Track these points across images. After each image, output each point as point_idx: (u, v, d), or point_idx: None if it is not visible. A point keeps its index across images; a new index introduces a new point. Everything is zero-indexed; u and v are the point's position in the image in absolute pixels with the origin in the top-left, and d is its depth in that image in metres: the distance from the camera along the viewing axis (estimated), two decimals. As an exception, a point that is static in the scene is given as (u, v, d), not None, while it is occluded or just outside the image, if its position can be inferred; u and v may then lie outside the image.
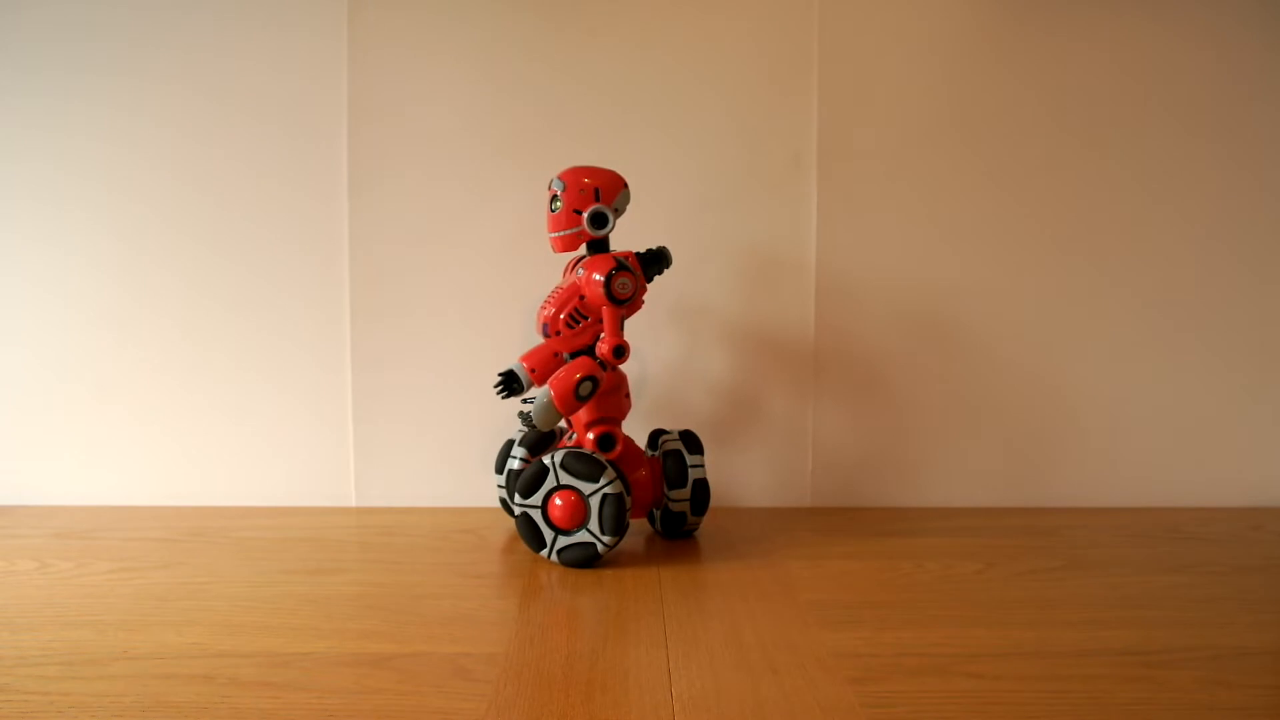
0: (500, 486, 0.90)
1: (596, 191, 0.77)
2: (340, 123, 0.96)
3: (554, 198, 0.78)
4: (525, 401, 0.78)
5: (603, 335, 0.76)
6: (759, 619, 0.66)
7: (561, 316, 0.77)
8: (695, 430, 0.92)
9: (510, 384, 0.78)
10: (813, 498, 0.99)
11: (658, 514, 0.86)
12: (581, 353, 0.78)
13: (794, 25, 0.96)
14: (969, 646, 0.61)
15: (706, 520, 0.91)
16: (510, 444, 0.90)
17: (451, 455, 0.98)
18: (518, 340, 0.98)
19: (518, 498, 0.77)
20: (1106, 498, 0.99)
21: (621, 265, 0.75)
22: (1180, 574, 0.76)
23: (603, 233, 0.78)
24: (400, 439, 0.98)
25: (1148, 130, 0.97)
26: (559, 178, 0.77)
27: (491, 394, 0.98)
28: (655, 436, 0.88)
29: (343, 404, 0.98)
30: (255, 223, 0.97)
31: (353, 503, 0.99)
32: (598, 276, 0.75)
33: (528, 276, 0.97)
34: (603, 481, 0.76)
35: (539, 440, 0.87)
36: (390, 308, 0.97)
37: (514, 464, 0.87)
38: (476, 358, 0.97)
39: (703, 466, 0.84)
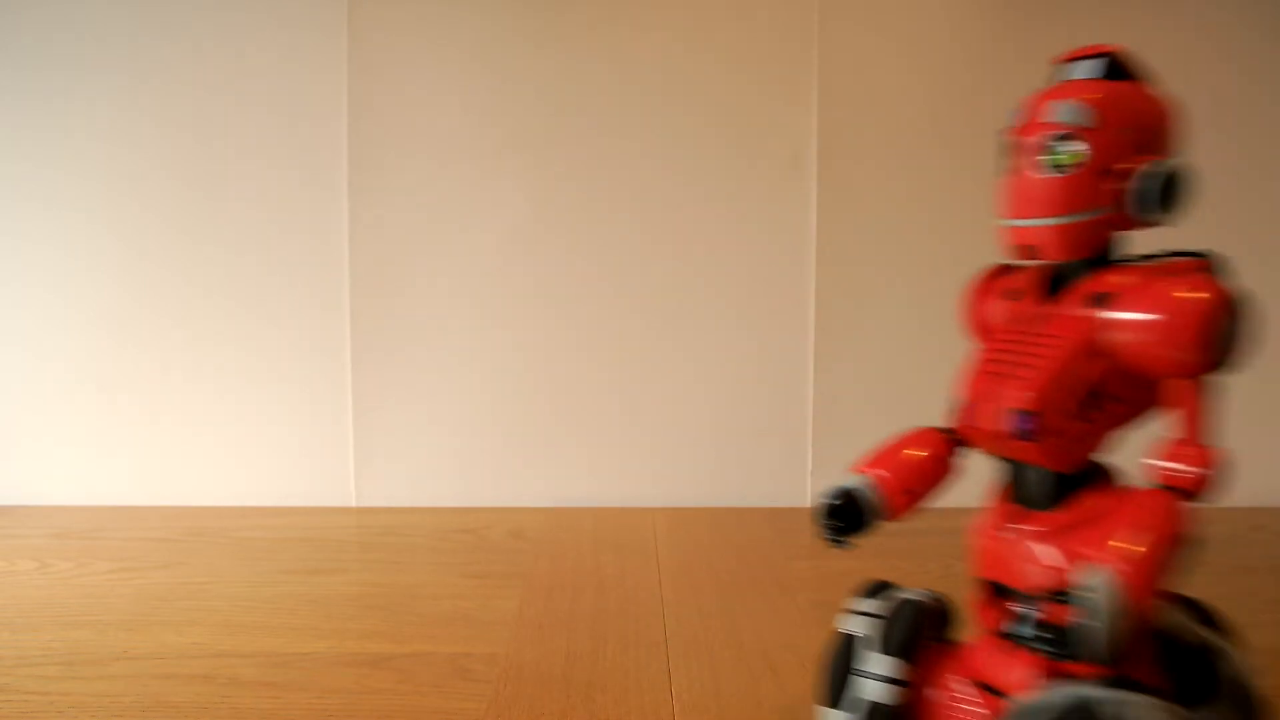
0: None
1: (1148, 130, 0.40)
2: (340, 121, 0.96)
3: (1060, 142, 0.38)
4: (1026, 602, 0.38)
5: (1175, 439, 0.37)
6: (759, 619, 0.66)
7: (1071, 401, 0.38)
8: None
9: (847, 516, 0.43)
10: (813, 498, 0.99)
11: None
12: (1085, 475, 0.40)
13: (794, 25, 0.96)
14: (969, 646, 0.60)
15: (707, 521, 0.91)
16: (849, 644, 0.43)
17: (452, 455, 0.98)
18: (518, 340, 0.98)
19: None
20: (1106, 498, 0.98)
21: (1231, 293, 0.37)
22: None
23: (1167, 219, 0.39)
24: (400, 439, 0.98)
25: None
26: (1071, 98, 0.38)
27: (492, 394, 0.98)
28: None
29: (343, 404, 0.98)
30: (255, 222, 0.97)
31: (353, 503, 0.99)
32: (1175, 318, 0.36)
33: (530, 276, 0.97)
34: None
35: (914, 640, 0.42)
36: (391, 307, 0.97)
37: (877, 693, 0.41)
38: (477, 358, 0.97)
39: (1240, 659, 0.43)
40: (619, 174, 0.96)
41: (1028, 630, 0.36)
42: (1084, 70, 0.40)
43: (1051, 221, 0.38)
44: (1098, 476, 0.39)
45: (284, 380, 0.98)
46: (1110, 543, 0.35)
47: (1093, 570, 0.34)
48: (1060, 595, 0.36)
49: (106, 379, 0.98)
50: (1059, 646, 0.34)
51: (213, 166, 0.96)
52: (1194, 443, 0.37)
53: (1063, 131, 0.37)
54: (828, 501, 0.43)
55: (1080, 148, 0.37)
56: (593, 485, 0.99)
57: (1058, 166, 0.37)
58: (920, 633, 0.42)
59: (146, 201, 0.97)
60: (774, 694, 0.53)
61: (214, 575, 0.75)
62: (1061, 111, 0.37)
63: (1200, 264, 0.39)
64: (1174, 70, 0.97)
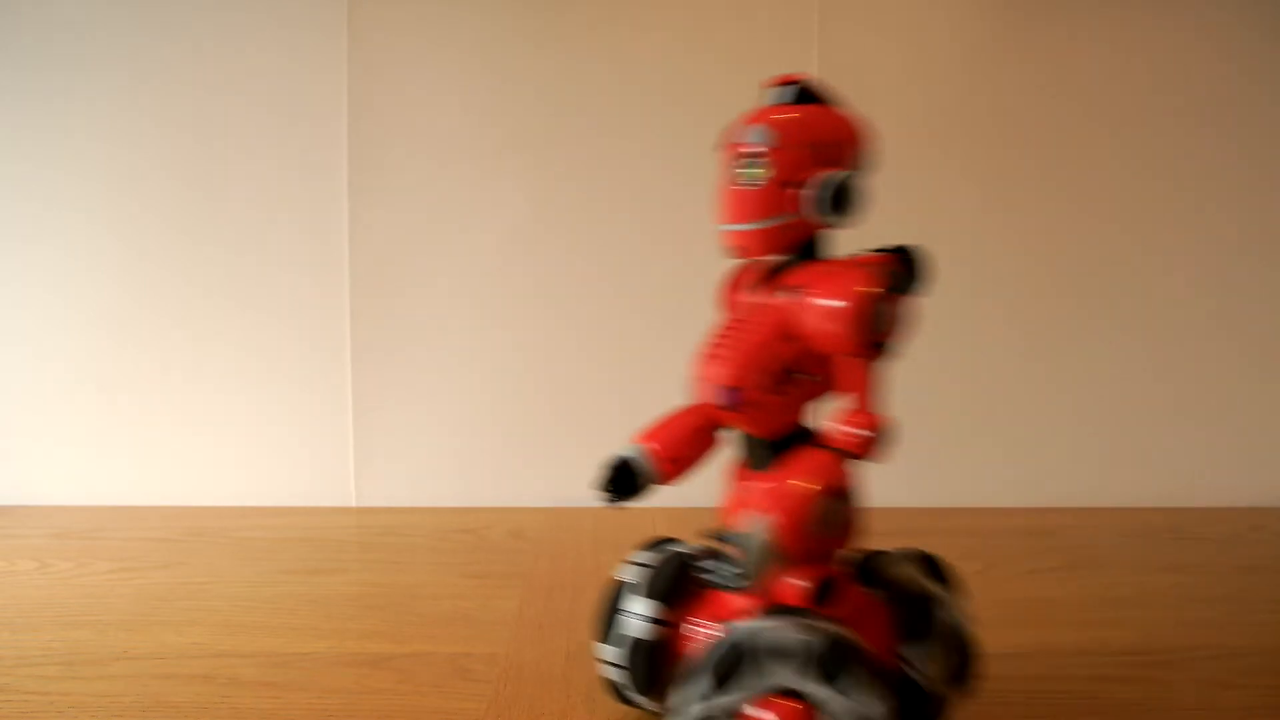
0: (613, 664, 0.50)
1: (832, 148, 0.45)
2: (340, 121, 0.96)
3: (749, 160, 0.44)
4: (722, 541, 0.43)
5: (846, 408, 0.44)
6: (759, 619, 0.65)
7: (764, 375, 0.45)
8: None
9: (622, 482, 0.48)
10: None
11: None
12: (789, 439, 0.46)
13: (794, 25, 0.96)
14: (969, 646, 0.60)
15: (707, 521, 0.91)
16: (619, 590, 0.52)
17: (452, 455, 0.98)
18: (518, 340, 0.98)
19: (699, 687, 0.42)
20: (1106, 498, 0.99)
21: (893, 283, 0.43)
22: (1180, 574, 0.76)
23: (844, 221, 0.45)
24: (400, 439, 0.98)
25: (1151, 128, 0.97)
26: (759, 123, 0.44)
27: (492, 394, 0.98)
28: (870, 563, 0.50)
29: (343, 404, 0.98)
30: (255, 222, 0.97)
31: (353, 503, 0.99)
32: (840, 303, 0.42)
33: (530, 276, 0.97)
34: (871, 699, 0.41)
35: (676, 586, 0.50)
36: (391, 307, 0.97)
37: (639, 630, 0.48)
38: (477, 358, 0.97)
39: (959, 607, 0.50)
40: (619, 174, 0.96)
41: (715, 569, 0.43)
42: (775, 97, 0.47)
43: (749, 226, 0.44)
44: (804, 440, 0.46)
45: (284, 380, 0.98)
46: (763, 491, 0.42)
47: (752, 516, 0.42)
48: (726, 538, 0.42)
49: (106, 379, 0.98)
50: (728, 580, 0.41)
51: (213, 166, 0.96)
52: (861, 410, 0.44)
53: (752, 151, 0.44)
54: (606, 468, 0.49)
55: (762, 167, 0.43)
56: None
57: (749, 180, 0.44)
58: (683, 580, 0.49)
59: (147, 201, 0.96)
60: (774, 694, 0.53)
61: (214, 575, 0.75)
62: (750, 134, 0.44)
63: (881, 260, 0.45)
64: (1174, 70, 0.98)
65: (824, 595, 0.45)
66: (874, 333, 0.42)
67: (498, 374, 0.98)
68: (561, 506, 0.97)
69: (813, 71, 0.96)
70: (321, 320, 0.97)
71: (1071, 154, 0.97)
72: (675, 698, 0.42)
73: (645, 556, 0.51)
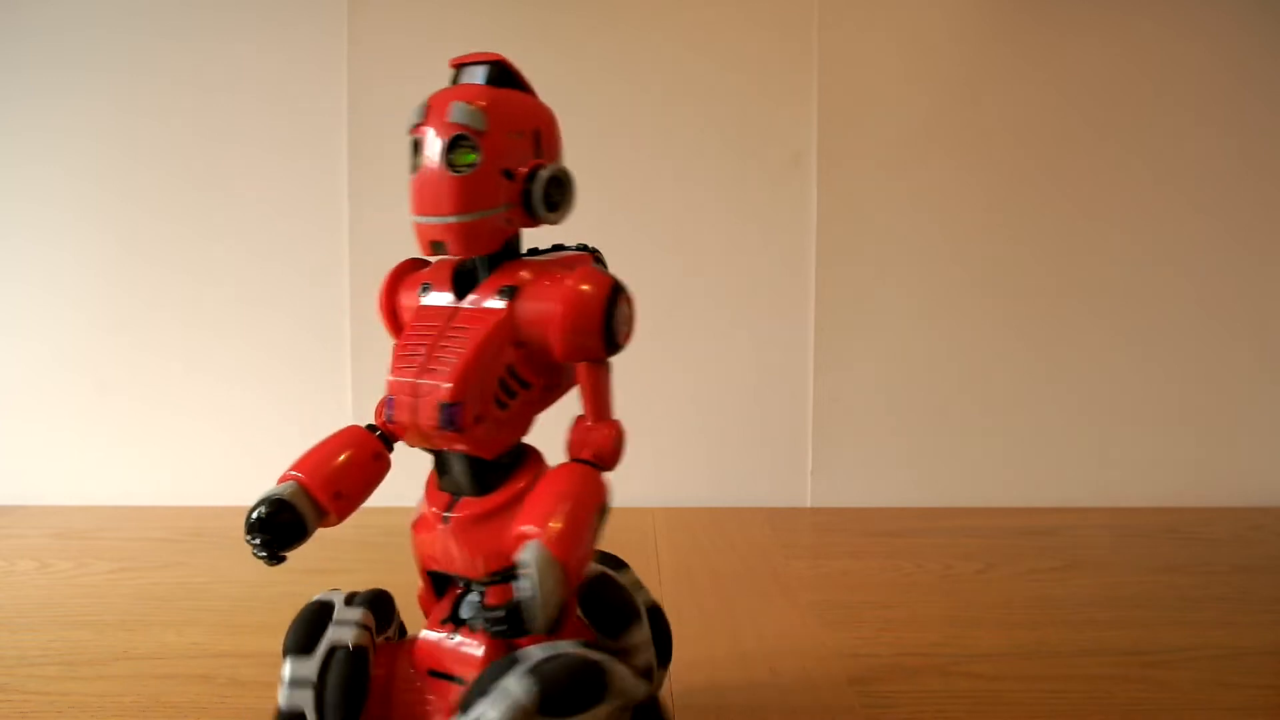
0: (298, 684, 0.42)
1: (536, 136, 0.42)
2: (341, 120, 0.96)
3: (456, 142, 0.39)
4: (472, 588, 0.42)
5: (585, 418, 0.41)
6: (759, 619, 0.66)
7: (488, 388, 0.39)
8: (690, 435, 0.91)
9: (278, 530, 0.42)
10: (813, 498, 0.99)
11: None
12: (510, 465, 0.42)
13: (794, 25, 0.96)
14: (969, 646, 0.61)
15: (707, 521, 0.91)
16: (323, 609, 0.45)
17: (451, 455, 0.98)
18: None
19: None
20: (1106, 498, 0.99)
21: (620, 284, 0.40)
22: (1180, 574, 0.76)
23: (557, 218, 0.42)
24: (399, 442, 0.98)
25: (1151, 128, 0.97)
26: (464, 102, 0.40)
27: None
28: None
29: (343, 404, 0.98)
30: (256, 223, 0.97)
31: (353, 503, 0.98)
32: (578, 307, 0.39)
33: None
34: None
35: (380, 599, 0.46)
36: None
37: (344, 634, 0.43)
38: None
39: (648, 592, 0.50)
40: (619, 174, 0.96)
41: (477, 615, 0.39)
42: (472, 76, 0.42)
43: (454, 219, 0.39)
44: (522, 458, 0.42)
45: (285, 380, 0.98)
46: (536, 518, 0.37)
47: (525, 547, 0.36)
48: (499, 576, 0.38)
49: (107, 379, 0.98)
50: (506, 624, 0.35)
51: (213, 166, 0.96)
52: (599, 418, 0.40)
53: (458, 133, 0.39)
54: (257, 513, 0.41)
55: (474, 150, 0.38)
56: (593, 485, 0.99)
57: (455, 166, 0.39)
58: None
59: (147, 202, 0.96)
60: (774, 694, 0.53)
61: (214, 575, 0.75)
62: (456, 113, 0.39)
63: (587, 257, 0.43)
64: (1174, 71, 0.98)
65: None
66: (611, 334, 0.39)
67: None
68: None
69: (812, 71, 0.97)
70: (322, 320, 0.97)
71: (1071, 154, 0.97)
72: None
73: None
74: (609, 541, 0.88)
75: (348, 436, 0.44)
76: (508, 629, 0.35)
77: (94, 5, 0.95)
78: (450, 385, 0.38)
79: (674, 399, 0.98)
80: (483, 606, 0.39)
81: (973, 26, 0.96)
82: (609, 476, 0.40)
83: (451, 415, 0.38)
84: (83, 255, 0.97)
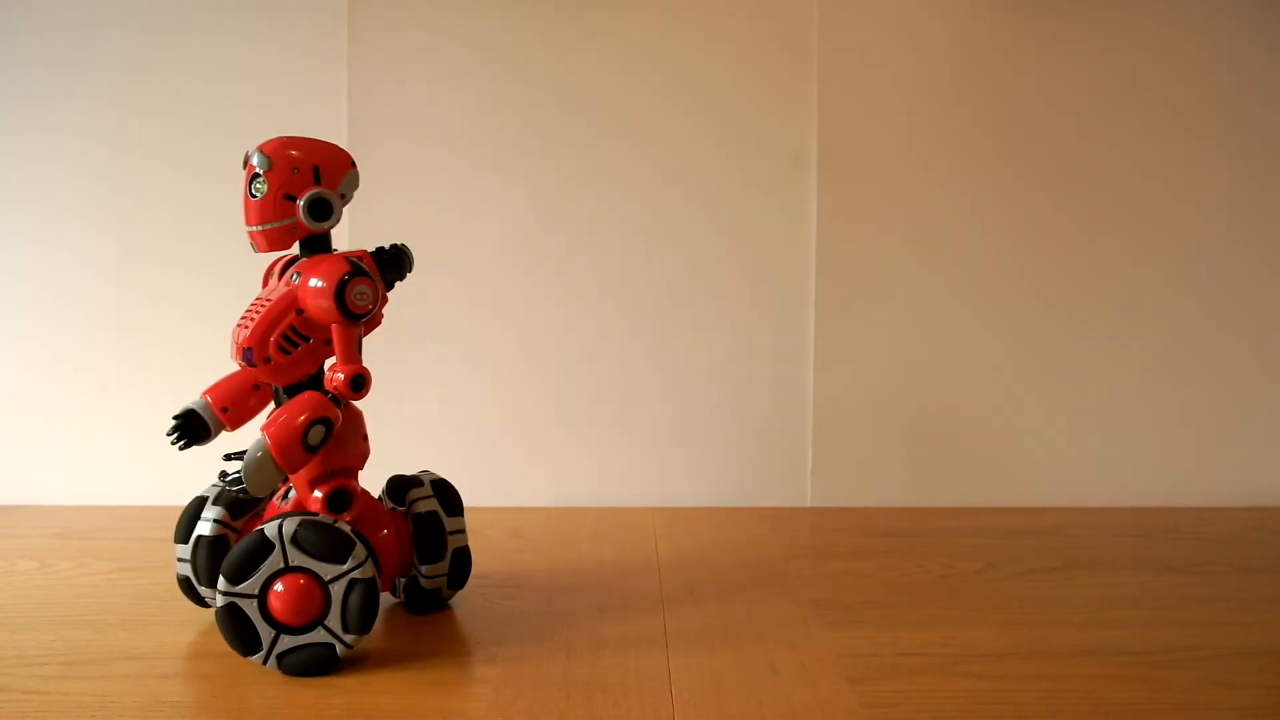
0: (183, 560, 0.64)
1: (315, 170, 0.59)
2: (340, 119, 0.96)
3: (254, 178, 0.58)
4: (230, 458, 0.61)
5: (333, 362, 0.59)
6: (759, 619, 0.66)
7: (273, 339, 0.58)
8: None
9: (190, 429, 0.63)
10: (813, 498, 0.99)
11: (401, 583, 0.67)
12: (302, 386, 0.60)
13: (794, 25, 0.96)
14: (969, 646, 0.61)
15: (707, 521, 0.91)
16: (200, 503, 0.66)
17: (450, 455, 0.98)
18: (519, 339, 0.98)
19: (222, 582, 0.55)
20: (1106, 498, 0.99)
21: (357, 269, 0.57)
22: (1180, 574, 0.76)
23: (325, 226, 0.60)
24: (399, 438, 0.98)
25: (1151, 129, 0.97)
26: (260, 151, 0.58)
27: (491, 393, 0.98)
28: (399, 487, 0.67)
29: (343, 404, 0.98)
30: (255, 223, 0.97)
31: (353, 503, 0.99)
32: (324, 284, 0.56)
33: (530, 275, 0.97)
34: (350, 564, 0.56)
35: (241, 501, 0.66)
36: (390, 307, 0.97)
37: (206, 529, 0.64)
38: (477, 357, 0.97)
39: (464, 532, 0.66)
40: (620, 174, 0.96)
41: (226, 476, 0.59)
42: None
43: (257, 228, 0.58)
44: (303, 385, 0.60)
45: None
46: (269, 420, 0.57)
47: (255, 440, 0.56)
48: (235, 455, 0.58)
49: (106, 379, 0.98)
50: (235, 487, 0.56)
51: (213, 166, 0.96)
52: (343, 364, 0.58)
53: (254, 172, 0.58)
54: (173, 419, 0.63)
55: (264, 183, 0.58)
56: (593, 485, 0.99)
57: (254, 193, 0.58)
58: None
59: (147, 201, 0.97)
60: (774, 694, 0.53)
61: (214, 575, 0.75)
62: (254, 159, 0.58)
63: (360, 254, 0.61)
64: (1171, 74, 0.98)
65: (337, 503, 0.60)
66: (352, 306, 0.56)
67: (498, 373, 0.98)
68: (561, 506, 0.97)
69: (813, 73, 0.97)
70: (321, 320, 0.97)
71: (1070, 155, 0.97)
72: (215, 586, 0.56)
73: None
74: (610, 537, 0.88)
75: (243, 374, 0.63)
76: (238, 490, 0.56)
77: (94, 5, 0.95)
78: (249, 335, 0.58)
79: (674, 399, 0.98)
80: (225, 476, 0.60)
81: (972, 28, 0.96)
82: (333, 402, 0.58)
83: (248, 355, 0.58)
84: (83, 255, 0.97)
